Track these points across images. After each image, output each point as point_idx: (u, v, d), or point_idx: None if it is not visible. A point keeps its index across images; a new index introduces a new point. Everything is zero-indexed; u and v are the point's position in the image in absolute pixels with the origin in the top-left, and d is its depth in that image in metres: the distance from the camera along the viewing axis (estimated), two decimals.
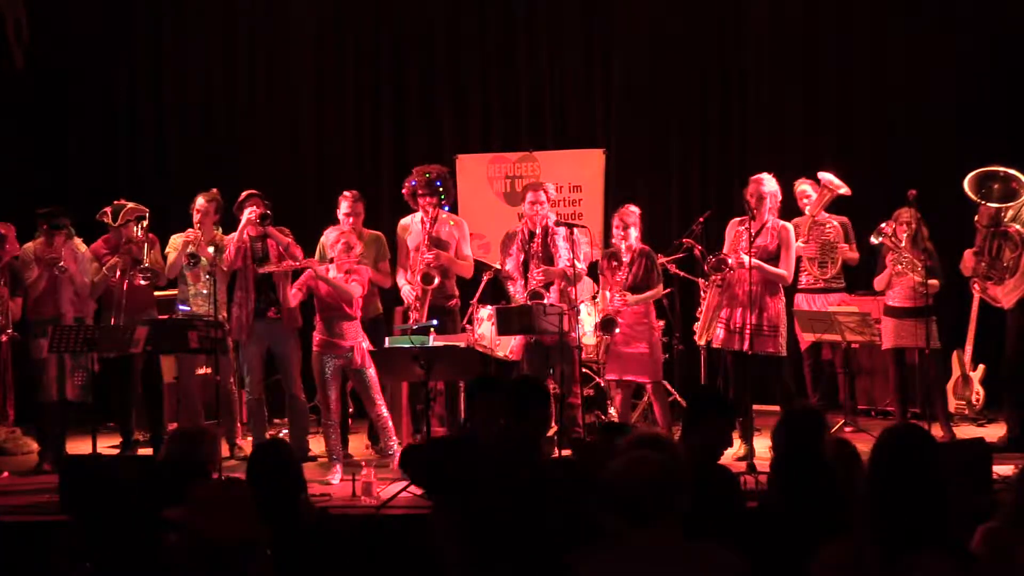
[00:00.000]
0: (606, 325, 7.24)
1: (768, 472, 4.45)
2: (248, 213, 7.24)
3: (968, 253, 7.59)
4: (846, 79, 9.73)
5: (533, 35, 10.15)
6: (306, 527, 3.81)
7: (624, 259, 7.30)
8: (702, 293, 7.44)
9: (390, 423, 7.00)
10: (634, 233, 7.32)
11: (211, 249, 7.44)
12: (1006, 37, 9.25)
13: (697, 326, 7.38)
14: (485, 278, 8.11)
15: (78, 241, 7.53)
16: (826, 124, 9.82)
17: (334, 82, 10.32)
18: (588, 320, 7.84)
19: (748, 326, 6.95)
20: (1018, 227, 7.41)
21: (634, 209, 7.41)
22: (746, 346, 6.96)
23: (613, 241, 7.40)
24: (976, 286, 7.65)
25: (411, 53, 10.22)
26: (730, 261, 6.95)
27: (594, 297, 7.99)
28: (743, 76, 9.93)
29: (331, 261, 6.94)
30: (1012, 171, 7.47)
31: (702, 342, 7.41)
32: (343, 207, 7.60)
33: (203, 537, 3.59)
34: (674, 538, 2.88)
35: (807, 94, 9.80)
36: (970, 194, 7.46)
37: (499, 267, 7.81)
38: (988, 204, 7.40)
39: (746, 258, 6.89)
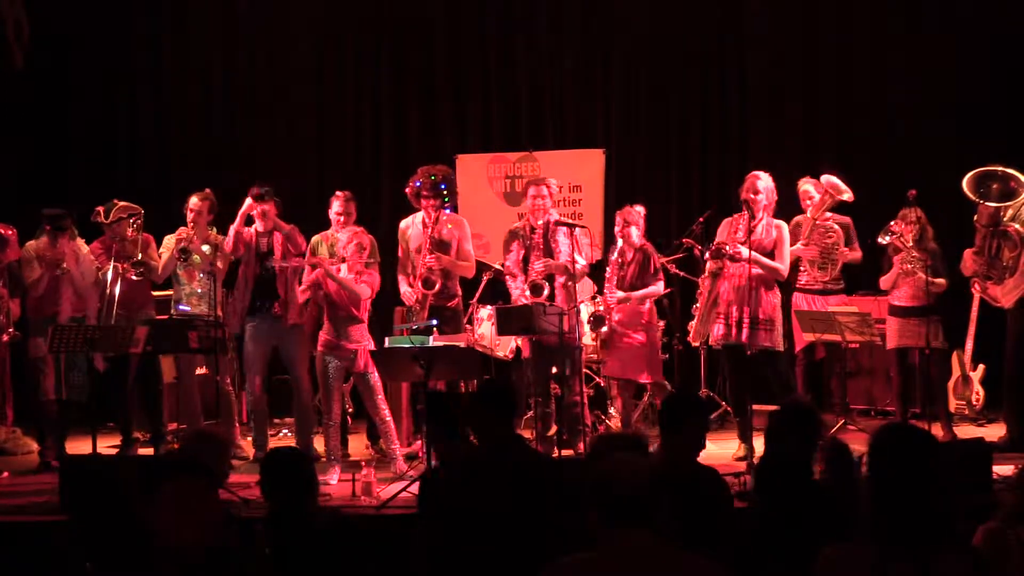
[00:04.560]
0: (595, 322, 7.22)
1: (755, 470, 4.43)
2: (248, 203, 7.29)
3: (968, 253, 7.60)
4: (846, 79, 9.74)
5: (533, 35, 10.15)
6: (320, 530, 3.81)
7: (628, 257, 7.28)
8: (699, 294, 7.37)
9: (393, 427, 6.99)
10: (635, 232, 7.31)
11: (206, 248, 7.46)
12: (1006, 37, 9.26)
13: (692, 326, 7.29)
14: (485, 278, 8.11)
15: (80, 242, 7.54)
16: (826, 124, 9.83)
17: (334, 82, 10.32)
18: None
19: (745, 319, 6.94)
20: (1017, 226, 7.41)
21: (639, 209, 7.36)
22: (744, 338, 6.90)
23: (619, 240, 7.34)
24: (976, 286, 7.66)
25: (411, 53, 10.23)
26: (727, 248, 6.89)
27: (594, 297, 7.98)
28: (743, 76, 9.93)
29: (343, 260, 6.93)
30: (1011, 170, 7.47)
31: (697, 343, 7.36)
32: (335, 207, 7.61)
33: (168, 543, 3.58)
34: (653, 542, 2.84)
35: (807, 94, 9.81)
36: (969, 194, 7.46)
37: (500, 266, 7.81)
38: (987, 203, 7.41)
39: (744, 250, 6.83)
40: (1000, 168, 7.49)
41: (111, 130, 10.21)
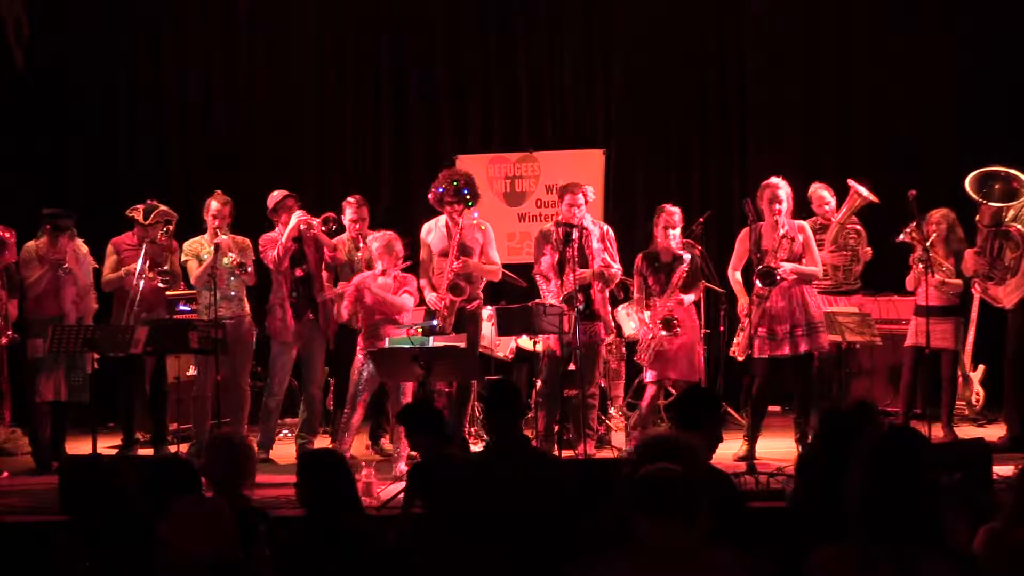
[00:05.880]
0: (667, 325, 7.11)
1: (796, 471, 4.38)
2: (299, 217, 7.31)
3: (969, 253, 7.58)
4: (846, 79, 9.74)
5: (533, 35, 10.16)
6: (362, 533, 3.80)
7: (685, 258, 7.18)
8: (743, 310, 7.21)
9: None
10: (677, 234, 7.27)
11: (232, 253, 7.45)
12: (1006, 37, 9.25)
13: (738, 342, 7.25)
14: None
15: (79, 242, 7.52)
16: (826, 124, 9.83)
17: (334, 82, 10.32)
18: (625, 320, 7.93)
19: (799, 328, 6.96)
20: (1019, 227, 7.40)
21: (674, 209, 7.29)
22: (802, 348, 6.94)
23: (659, 242, 7.24)
24: (977, 286, 7.64)
25: (411, 53, 10.23)
26: (779, 276, 6.89)
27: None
28: (743, 76, 9.93)
29: (382, 272, 7.01)
30: (1013, 171, 7.46)
31: (742, 358, 7.31)
32: (348, 213, 7.66)
33: (177, 553, 3.58)
34: (689, 539, 2.85)
35: (807, 94, 9.81)
36: (971, 193, 7.45)
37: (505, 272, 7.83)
38: (989, 203, 7.40)
39: (786, 265, 6.90)
40: (1002, 168, 7.48)
41: (111, 130, 10.21)
